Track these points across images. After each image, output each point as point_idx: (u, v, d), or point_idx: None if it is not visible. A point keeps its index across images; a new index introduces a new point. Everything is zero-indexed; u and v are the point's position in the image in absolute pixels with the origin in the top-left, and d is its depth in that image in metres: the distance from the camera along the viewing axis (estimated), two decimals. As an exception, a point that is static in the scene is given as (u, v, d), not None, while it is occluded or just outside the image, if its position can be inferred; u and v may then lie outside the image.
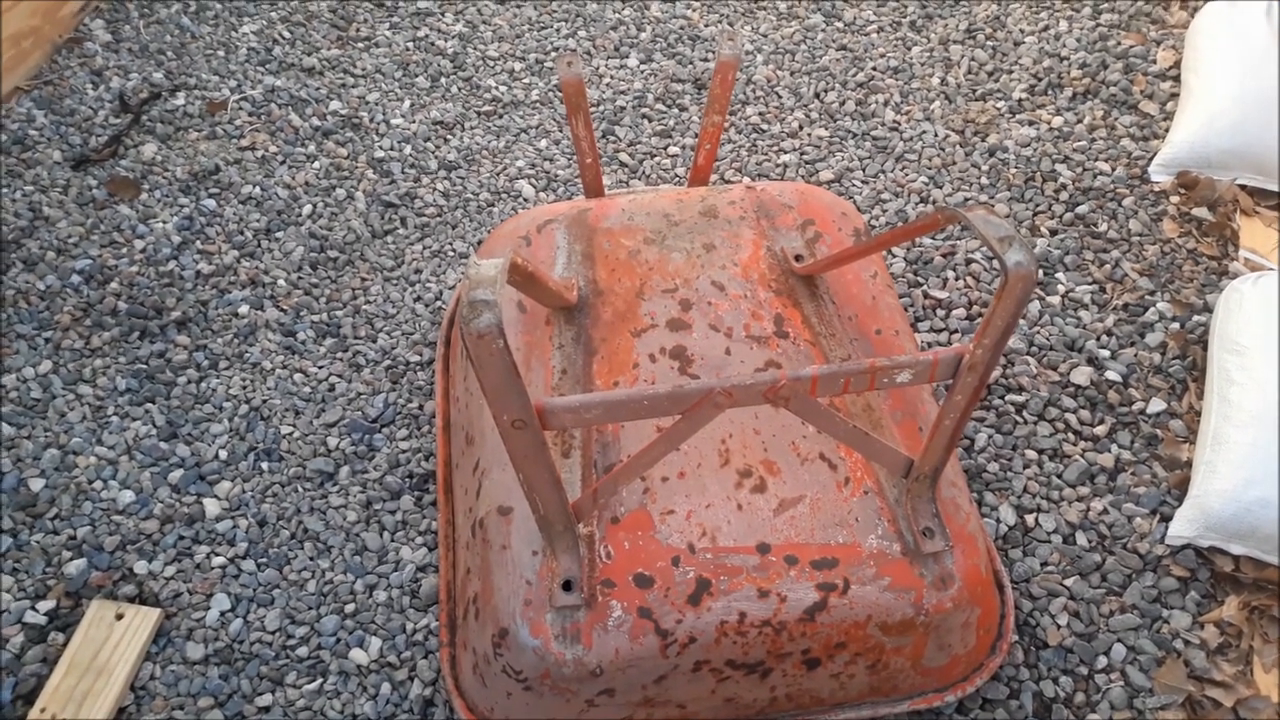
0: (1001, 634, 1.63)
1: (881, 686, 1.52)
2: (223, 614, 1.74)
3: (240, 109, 2.57)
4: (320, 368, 2.07)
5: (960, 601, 1.43)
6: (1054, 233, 2.30)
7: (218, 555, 1.80)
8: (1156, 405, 1.98)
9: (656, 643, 1.35)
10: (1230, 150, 2.32)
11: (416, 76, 2.70)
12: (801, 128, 2.58)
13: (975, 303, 2.16)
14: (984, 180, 2.42)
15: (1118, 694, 1.65)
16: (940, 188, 2.41)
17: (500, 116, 2.62)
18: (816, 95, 2.66)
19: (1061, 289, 2.19)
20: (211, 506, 1.86)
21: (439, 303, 2.19)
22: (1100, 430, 1.96)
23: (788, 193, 1.82)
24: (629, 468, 1.29)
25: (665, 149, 2.54)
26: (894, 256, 2.26)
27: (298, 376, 2.06)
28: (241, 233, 2.30)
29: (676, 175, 2.48)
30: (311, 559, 1.80)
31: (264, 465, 1.92)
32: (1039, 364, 2.06)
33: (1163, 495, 1.86)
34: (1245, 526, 1.73)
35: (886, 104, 2.62)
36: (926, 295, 2.18)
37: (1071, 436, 1.96)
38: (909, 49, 2.77)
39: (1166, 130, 2.48)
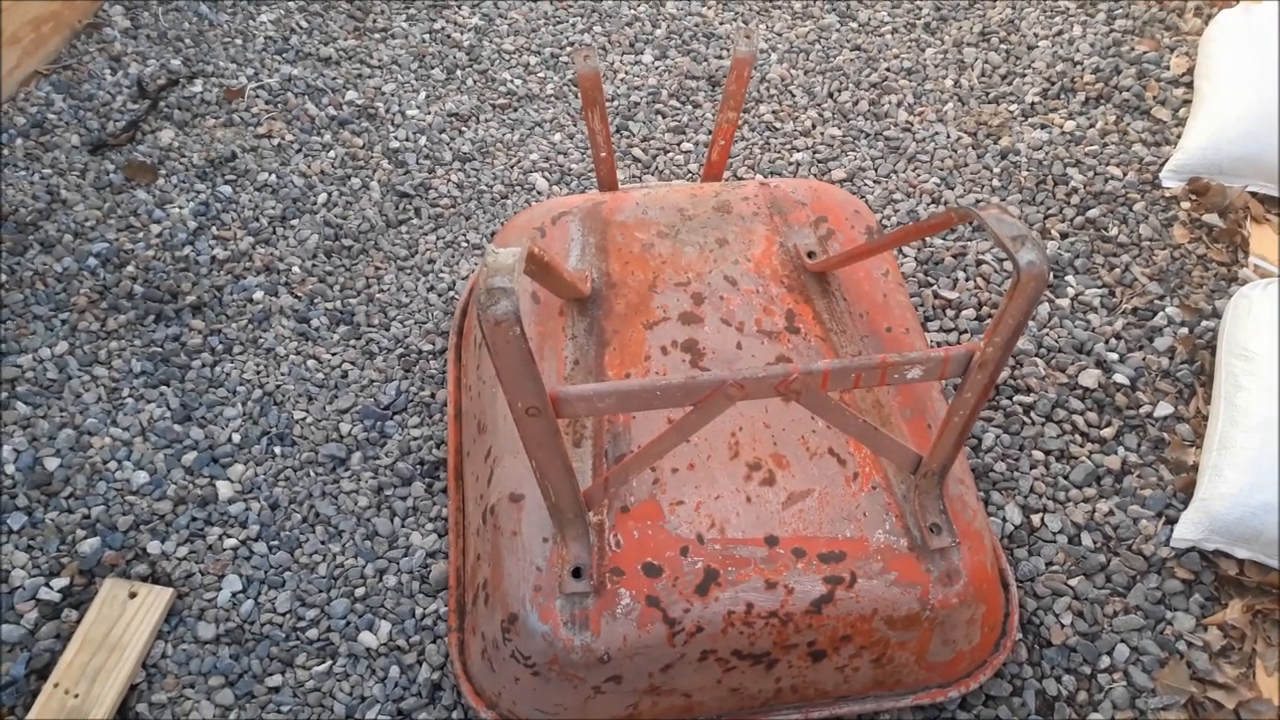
0: (1006, 631, 1.64)
1: (886, 680, 1.54)
2: (234, 595, 1.75)
3: (257, 97, 2.58)
4: (333, 354, 2.09)
5: (966, 597, 1.44)
6: (1064, 236, 2.31)
7: (230, 537, 1.82)
8: (1164, 409, 1.99)
9: (664, 631, 1.37)
10: (1242, 157, 2.33)
11: (432, 68, 2.72)
12: (814, 127, 2.59)
13: (985, 304, 2.17)
14: (995, 183, 2.43)
15: (1120, 694, 1.66)
16: (952, 189, 2.42)
17: (515, 110, 2.63)
18: (830, 95, 2.67)
19: (1071, 292, 2.19)
20: (224, 489, 1.88)
21: (452, 293, 2.21)
22: (1107, 432, 1.97)
23: (801, 189, 1.83)
24: (640, 458, 1.31)
25: (679, 145, 2.55)
26: (905, 256, 2.27)
27: (311, 363, 2.07)
28: (257, 219, 2.32)
29: (690, 172, 2.49)
30: (323, 543, 1.82)
31: (276, 449, 1.94)
32: (1047, 366, 2.07)
33: (1168, 498, 1.87)
34: (1250, 530, 1.74)
35: (900, 105, 2.63)
36: (937, 295, 2.19)
37: (1079, 438, 1.97)
38: (923, 50, 2.78)
39: (1178, 136, 2.49)
